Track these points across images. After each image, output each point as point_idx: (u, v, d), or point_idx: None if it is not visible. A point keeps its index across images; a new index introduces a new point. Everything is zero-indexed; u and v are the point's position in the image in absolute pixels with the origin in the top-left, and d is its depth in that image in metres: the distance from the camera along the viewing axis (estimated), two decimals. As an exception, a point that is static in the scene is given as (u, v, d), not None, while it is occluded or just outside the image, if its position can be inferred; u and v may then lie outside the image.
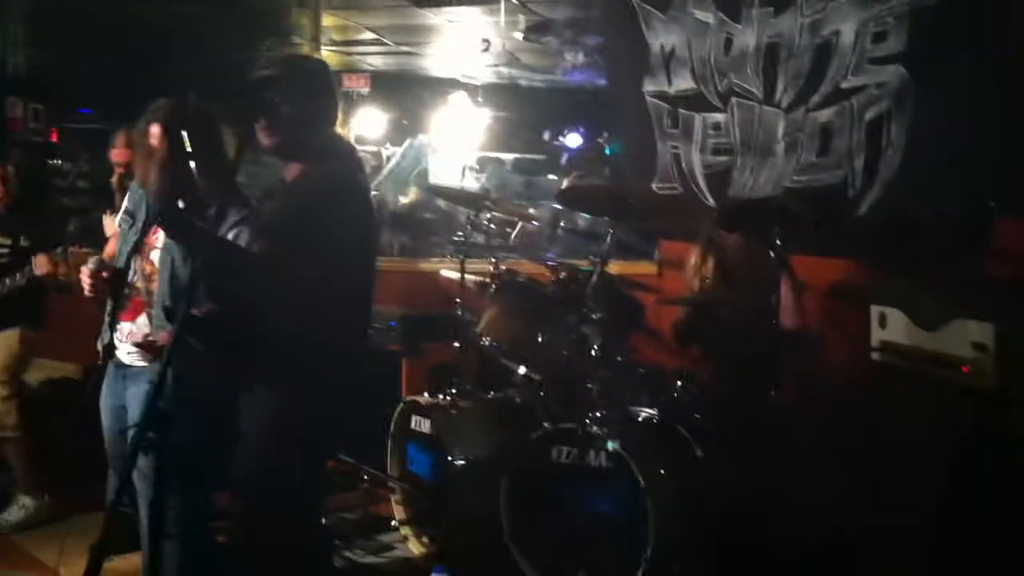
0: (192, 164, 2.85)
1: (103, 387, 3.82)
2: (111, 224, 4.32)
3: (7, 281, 4.94)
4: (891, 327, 3.86)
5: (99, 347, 3.76)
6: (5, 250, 5.15)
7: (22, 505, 5.14)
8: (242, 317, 2.93)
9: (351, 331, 3.06)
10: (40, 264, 4.80)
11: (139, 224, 3.67)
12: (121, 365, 3.69)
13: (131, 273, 3.64)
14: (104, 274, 3.63)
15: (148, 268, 3.61)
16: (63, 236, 4.81)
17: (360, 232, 3.04)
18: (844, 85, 4.69)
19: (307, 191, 2.97)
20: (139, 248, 3.62)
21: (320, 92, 3.09)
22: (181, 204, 2.72)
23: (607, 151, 6.67)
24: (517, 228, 5.65)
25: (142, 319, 3.61)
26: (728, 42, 5.15)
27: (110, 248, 4.14)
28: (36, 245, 4.93)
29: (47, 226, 5.13)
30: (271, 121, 2.98)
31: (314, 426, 2.95)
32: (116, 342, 3.67)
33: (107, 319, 3.71)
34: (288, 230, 2.88)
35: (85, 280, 3.61)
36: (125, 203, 3.83)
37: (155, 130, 3.46)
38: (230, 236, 3.31)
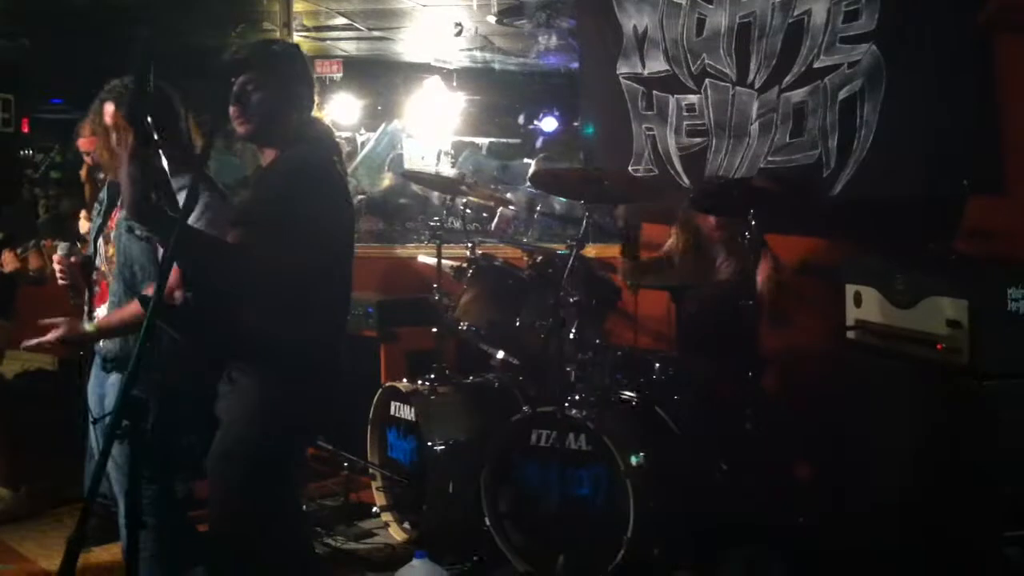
0: (159, 149, 2.81)
1: (91, 376, 3.80)
2: (86, 225, 4.27)
3: None
4: (866, 305, 3.87)
5: None
6: None
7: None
8: (218, 304, 2.92)
9: (329, 317, 3.04)
10: (6, 261, 4.80)
11: (103, 207, 3.66)
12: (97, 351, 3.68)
13: (96, 258, 3.63)
14: (73, 259, 3.62)
15: (110, 250, 3.59)
16: (34, 229, 4.78)
17: (336, 217, 3.02)
18: (817, 65, 4.69)
19: (281, 176, 2.95)
20: (102, 231, 3.62)
21: (293, 77, 3.06)
22: (153, 195, 2.68)
23: (582, 134, 6.65)
24: (497, 214, 5.65)
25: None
26: (700, 23, 5.14)
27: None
28: (8, 239, 4.89)
29: (21, 218, 5.08)
30: (245, 107, 2.96)
31: (293, 413, 2.93)
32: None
33: (85, 308, 3.69)
34: (263, 216, 2.86)
35: (56, 267, 3.60)
36: (99, 191, 3.79)
37: (109, 108, 3.46)
38: (200, 222, 3.30)
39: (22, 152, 8.74)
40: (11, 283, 5.01)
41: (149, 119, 2.63)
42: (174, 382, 3.20)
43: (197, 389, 3.14)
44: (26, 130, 8.16)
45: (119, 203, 3.53)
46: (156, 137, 2.66)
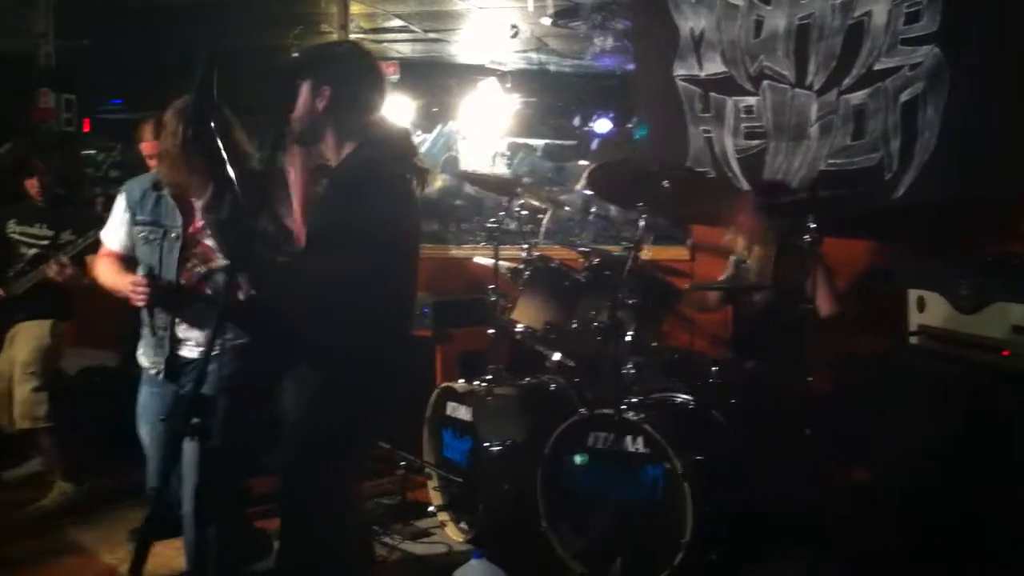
0: (229, 169, 2.83)
1: (152, 387, 3.86)
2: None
3: (31, 275, 5.07)
4: (929, 310, 3.83)
5: (150, 362, 3.79)
6: (45, 242, 5.22)
7: (63, 491, 5.20)
8: (285, 303, 2.95)
9: (394, 315, 3.06)
10: (51, 270, 4.94)
11: (176, 232, 3.65)
12: (187, 362, 3.70)
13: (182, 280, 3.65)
14: (160, 283, 3.62)
15: (201, 249, 3.63)
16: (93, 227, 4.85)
17: (400, 219, 3.03)
18: (877, 67, 4.66)
19: (345, 184, 2.96)
20: (185, 255, 3.64)
21: (356, 78, 3.07)
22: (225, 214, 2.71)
23: (635, 136, 6.63)
24: (548, 214, 5.65)
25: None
26: (758, 24, 5.11)
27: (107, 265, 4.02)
28: (74, 243, 4.98)
29: (83, 219, 5.17)
30: (304, 109, 2.98)
31: (360, 409, 2.95)
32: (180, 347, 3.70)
33: (162, 333, 3.70)
34: (333, 237, 2.87)
35: (139, 289, 3.58)
36: (136, 215, 3.77)
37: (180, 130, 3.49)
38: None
39: (84, 152, 8.89)
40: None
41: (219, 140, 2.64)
42: (240, 380, 3.24)
43: (262, 386, 3.18)
44: (87, 129, 8.29)
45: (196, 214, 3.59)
46: (225, 156, 2.66)
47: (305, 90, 2.98)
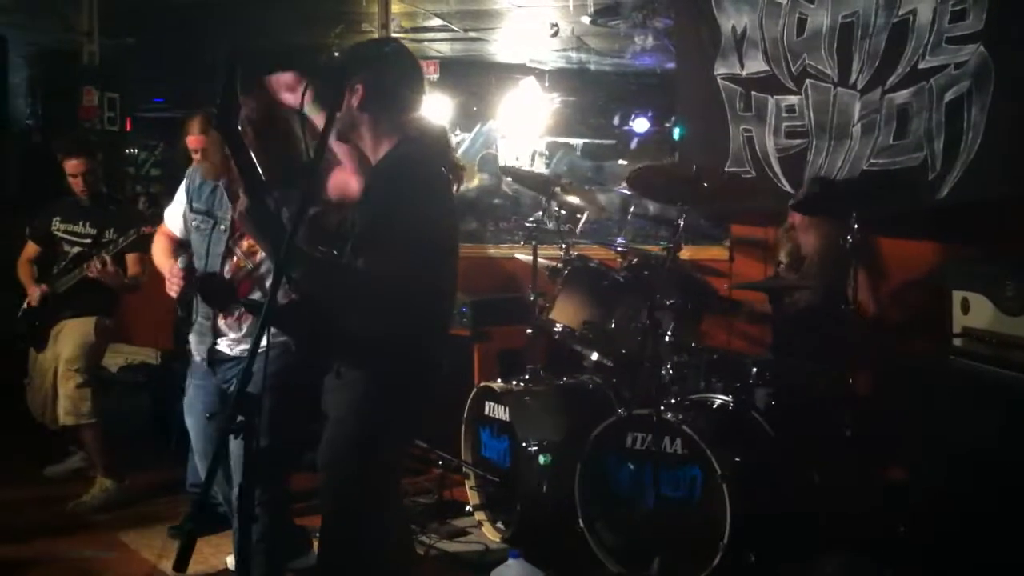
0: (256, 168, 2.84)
1: (196, 379, 3.90)
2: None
3: (75, 272, 5.12)
4: (974, 312, 3.79)
5: (195, 350, 3.86)
6: (88, 240, 5.28)
7: (103, 488, 5.25)
8: (326, 304, 2.95)
9: (436, 314, 3.07)
10: (91, 268, 4.97)
11: (225, 224, 3.70)
12: (224, 359, 3.76)
13: (226, 264, 3.69)
14: (198, 274, 3.68)
15: (246, 244, 3.66)
16: (135, 226, 4.89)
17: (441, 217, 3.02)
18: (922, 65, 4.61)
19: (386, 183, 2.95)
20: (231, 246, 3.68)
21: (400, 77, 3.05)
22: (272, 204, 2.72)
23: (674, 135, 6.60)
24: (584, 215, 5.64)
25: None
26: (801, 23, 5.07)
27: (161, 244, 4.14)
28: (115, 242, 5.03)
29: (126, 217, 5.22)
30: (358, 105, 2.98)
31: (401, 408, 2.96)
32: (219, 340, 3.75)
33: (204, 323, 3.77)
34: (378, 239, 2.86)
35: (175, 280, 3.65)
36: (193, 202, 3.84)
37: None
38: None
39: (127, 151, 8.96)
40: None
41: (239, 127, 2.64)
42: (284, 379, 3.25)
43: (305, 385, 3.19)
44: (128, 128, 8.37)
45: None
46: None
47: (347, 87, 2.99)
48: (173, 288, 3.67)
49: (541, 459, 4.43)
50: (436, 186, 3.04)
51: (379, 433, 2.94)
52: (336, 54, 3.15)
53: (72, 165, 5.28)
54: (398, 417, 2.98)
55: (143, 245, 4.78)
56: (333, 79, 2.92)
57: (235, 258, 3.70)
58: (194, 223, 3.83)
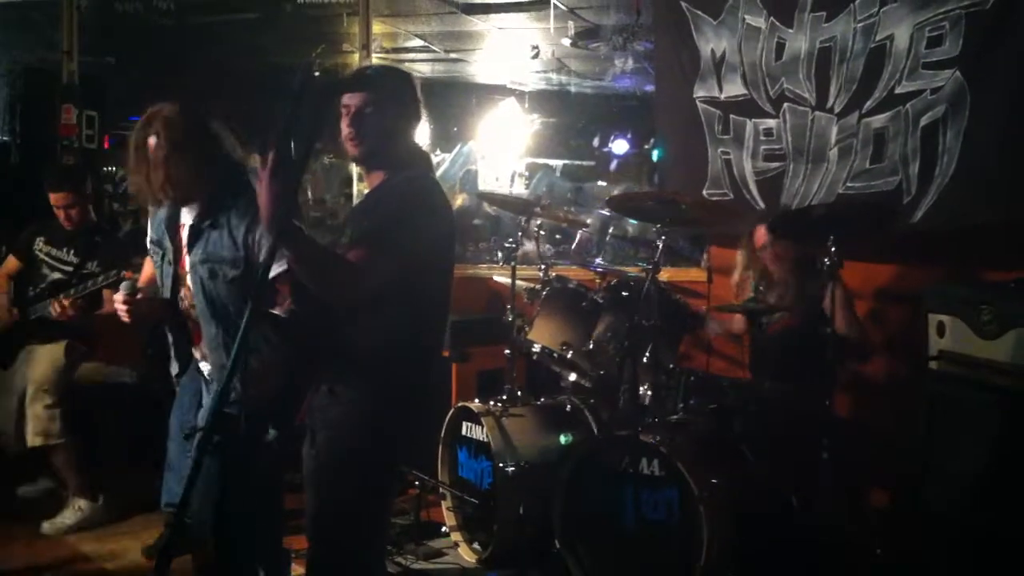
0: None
1: (176, 399, 3.88)
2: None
3: (47, 301, 4.98)
4: (950, 335, 3.81)
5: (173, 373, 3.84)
6: (69, 268, 5.24)
7: (77, 508, 5.20)
8: (326, 318, 2.93)
9: (430, 334, 3.08)
10: (53, 307, 4.87)
11: (169, 255, 3.64)
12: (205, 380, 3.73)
13: (181, 302, 3.65)
14: (139, 296, 3.65)
15: (186, 293, 3.62)
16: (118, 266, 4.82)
17: (442, 239, 3.06)
18: (898, 90, 4.66)
19: (397, 199, 2.96)
20: (177, 279, 3.63)
21: (407, 103, 3.09)
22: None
23: (653, 157, 6.64)
24: (577, 236, 5.64)
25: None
26: (780, 47, 5.12)
27: (147, 271, 4.13)
28: (95, 279, 4.95)
29: (111, 251, 5.17)
30: (360, 129, 2.99)
31: (395, 427, 2.95)
32: (198, 366, 3.72)
33: (171, 350, 3.74)
34: (381, 238, 2.86)
35: (120, 307, 3.60)
36: (149, 232, 3.78)
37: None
38: (256, 233, 3.37)
39: (104, 168, 8.92)
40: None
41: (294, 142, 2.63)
42: (265, 397, 3.23)
43: (289, 403, 3.17)
44: (107, 146, 8.33)
45: (183, 243, 3.56)
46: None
47: (360, 110, 2.99)
48: (123, 315, 3.63)
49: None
50: (440, 207, 3.08)
51: (375, 453, 2.93)
52: (350, 76, 3.14)
53: (55, 198, 5.22)
54: (394, 436, 2.97)
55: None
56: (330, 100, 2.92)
57: (184, 289, 3.64)
58: (152, 255, 3.80)
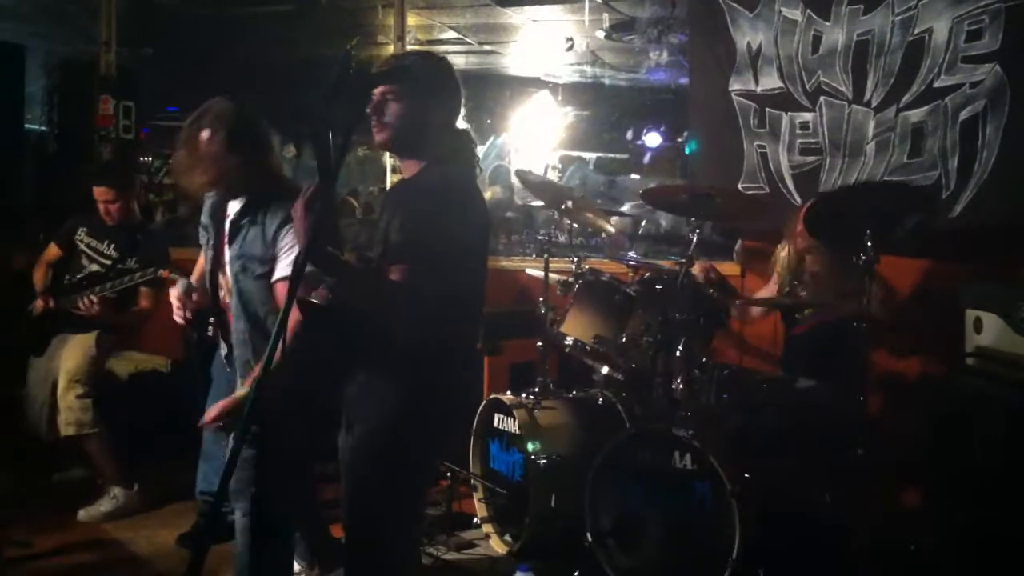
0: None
1: (212, 387, 3.89)
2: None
3: (79, 293, 5.07)
4: (986, 332, 3.77)
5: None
6: (108, 262, 5.28)
7: (113, 496, 5.25)
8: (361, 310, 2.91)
9: (466, 325, 3.06)
10: (81, 301, 4.97)
11: (213, 239, 3.67)
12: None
13: (220, 291, 3.67)
14: (194, 296, 3.67)
15: (224, 282, 3.64)
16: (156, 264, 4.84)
17: (477, 233, 3.00)
18: (937, 84, 4.61)
19: (427, 198, 2.90)
20: (218, 263, 3.65)
21: (433, 89, 3.00)
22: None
23: (686, 150, 6.61)
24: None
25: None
26: (816, 40, 5.08)
27: (200, 265, 4.13)
28: (132, 275, 4.99)
29: (151, 250, 5.22)
30: (380, 117, 2.94)
31: (430, 417, 2.93)
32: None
33: (219, 333, 3.75)
34: (418, 252, 2.81)
35: (175, 303, 3.65)
36: (203, 215, 3.79)
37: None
38: (283, 233, 3.38)
39: (140, 159, 8.99)
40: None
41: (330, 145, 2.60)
42: (302, 387, 3.23)
43: (326, 394, 3.17)
44: (143, 137, 8.39)
45: (224, 234, 3.58)
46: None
47: (380, 98, 2.95)
48: (178, 316, 3.68)
49: (530, 445, 4.56)
50: (474, 200, 3.02)
51: (410, 447, 2.91)
52: (376, 67, 3.08)
53: (97, 192, 5.27)
54: (428, 431, 2.96)
55: (159, 283, 4.80)
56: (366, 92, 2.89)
57: (222, 276, 3.66)
58: (200, 237, 3.82)
